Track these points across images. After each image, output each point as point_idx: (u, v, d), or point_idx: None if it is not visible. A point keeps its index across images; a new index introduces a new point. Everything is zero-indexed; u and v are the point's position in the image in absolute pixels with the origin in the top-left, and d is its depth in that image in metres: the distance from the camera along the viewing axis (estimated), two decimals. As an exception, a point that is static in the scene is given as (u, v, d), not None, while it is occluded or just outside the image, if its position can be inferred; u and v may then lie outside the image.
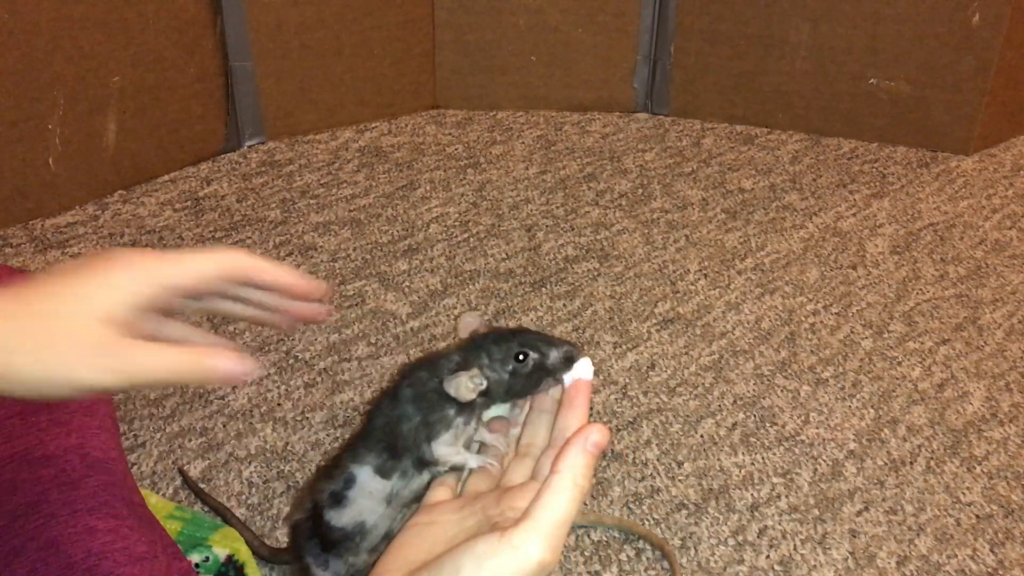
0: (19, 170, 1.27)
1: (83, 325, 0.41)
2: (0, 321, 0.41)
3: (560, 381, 0.53)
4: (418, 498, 0.57)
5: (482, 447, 0.57)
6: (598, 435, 0.48)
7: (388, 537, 0.59)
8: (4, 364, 0.40)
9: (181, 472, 0.88)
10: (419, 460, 0.56)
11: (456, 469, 0.56)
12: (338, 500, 0.58)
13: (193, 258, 0.44)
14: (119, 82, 1.34)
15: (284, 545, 0.81)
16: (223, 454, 0.92)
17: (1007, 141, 1.64)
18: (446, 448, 0.55)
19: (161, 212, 1.36)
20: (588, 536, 0.84)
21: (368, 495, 0.57)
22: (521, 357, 0.53)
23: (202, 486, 0.88)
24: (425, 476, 0.57)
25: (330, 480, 0.59)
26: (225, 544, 0.78)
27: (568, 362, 0.52)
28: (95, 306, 0.42)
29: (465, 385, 0.52)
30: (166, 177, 1.45)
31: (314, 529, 0.60)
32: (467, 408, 0.54)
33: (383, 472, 0.57)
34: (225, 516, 0.83)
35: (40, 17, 1.22)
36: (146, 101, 1.39)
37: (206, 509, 0.86)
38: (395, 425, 0.56)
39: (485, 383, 0.53)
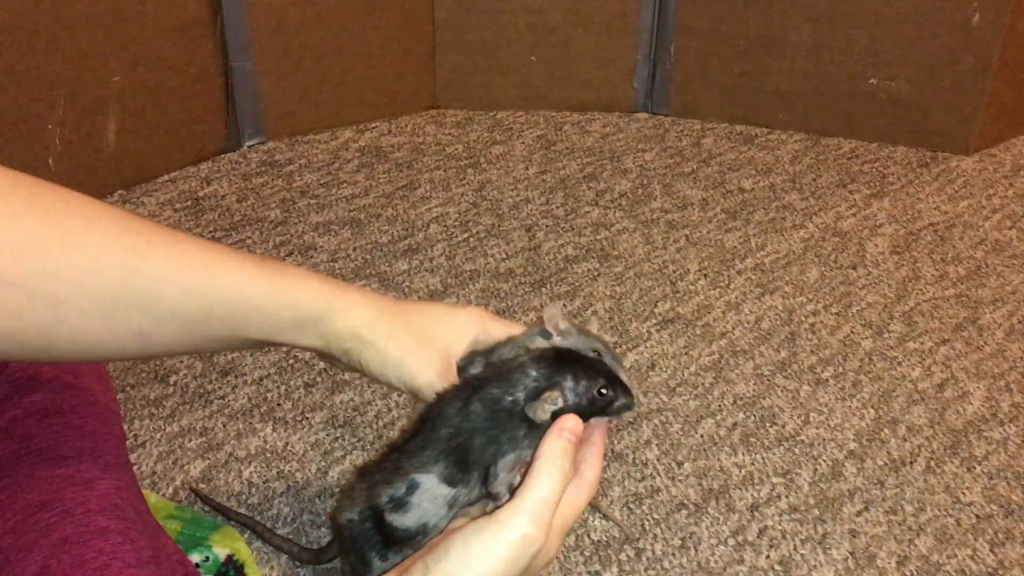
0: (19, 170, 1.27)
1: (441, 354, 0.59)
2: (394, 319, 0.59)
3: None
4: (473, 503, 0.58)
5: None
6: (572, 423, 0.53)
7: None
8: (381, 348, 0.57)
9: (196, 493, 0.87)
10: (484, 475, 0.56)
11: (491, 497, 0.57)
12: (400, 505, 0.59)
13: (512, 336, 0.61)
14: (119, 82, 1.34)
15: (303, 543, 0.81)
16: (223, 454, 0.92)
17: (1007, 141, 1.64)
18: (505, 474, 0.56)
19: (161, 212, 1.36)
20: (588, 536, 0.84)
21: (432, 499, 0.58)
22: (602, 392, 0.54)
23: (202, 486, 0.88)
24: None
25: (389, 485, 0.59)
26: (225, 544, 0.78)
27: (624, 409, 0.55)
28: (452, 347, 0.60)
29: (543, 407, 0.53)
30: (166, 177, 1.45)
31: (377, 528, 0.61)
32: (535, 429, 0.54)
33: (450, 481, 0.57)
34: (255, 529, 0.82)
35: (40, 17, 1.22)
36: (146, 101, 1.39)
37: (208, 511, 0.86)
38: (467, 439, 0.55)
39: (561, 404, 0.54)
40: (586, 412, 0.55)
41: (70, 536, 0.51)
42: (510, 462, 0.56)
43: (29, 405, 0.58)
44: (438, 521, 0.59)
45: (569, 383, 0.54)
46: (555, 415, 0.54)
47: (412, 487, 0.58)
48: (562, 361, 0.55)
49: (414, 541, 0.60)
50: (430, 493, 0.58)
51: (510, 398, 0.54)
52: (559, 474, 0.50)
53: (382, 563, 0.62)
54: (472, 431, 0.55)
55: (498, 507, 0.59)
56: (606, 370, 0.55)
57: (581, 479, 0.54)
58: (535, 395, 0.53)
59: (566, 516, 0.52)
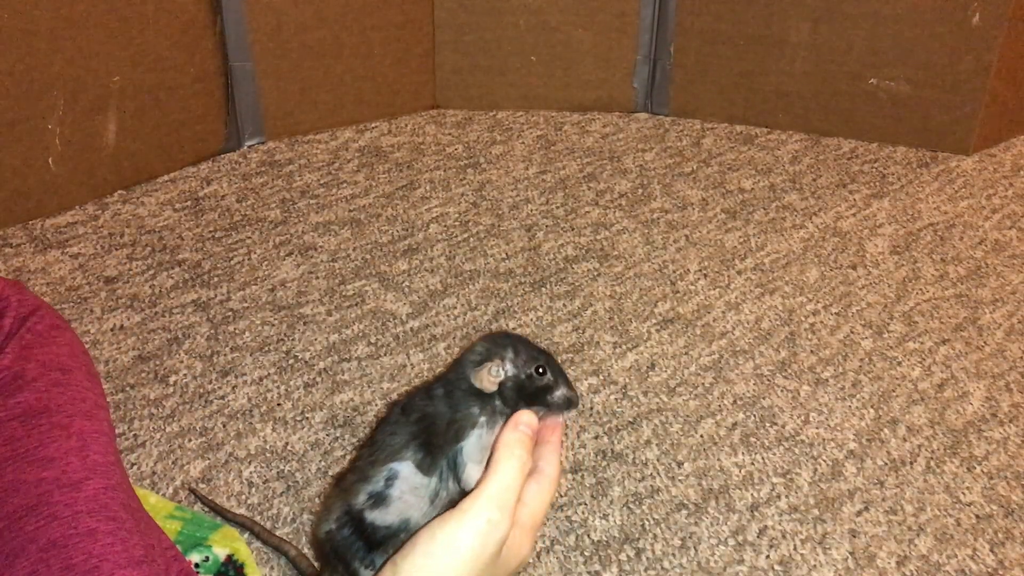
0: (19, 170, 1.27)
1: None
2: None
3: (548, 413, 0.58)
4: (454, 502, 0.59)
5: None
6: (526, 417, 0.56)
7: None
8: None
9: (195, 494, 0.87)
10: (452, 461, 0.57)
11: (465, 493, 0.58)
12: (380, 500, 0.59)
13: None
14: (119, 82, 1.34)
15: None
16: (223, 454, 0.92)
17: (1007, 141, 1.64)
18: (474, 465, 0.57)
19: (161, 212, 1.36)
20: (588, 536, 0.84)
21: (412, 490, 0.59)
22: (540, 371, 0.58)
23: (202, 486, 0.88)
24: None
25: (367, 482, 0.60)
26: (225, 544, 0.78)
27: (566, 405, 0.58)
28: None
29: (487, 375, 0.57)
30: (166, 177, 1.45)
31: (357, 533, 0.61)
32: (488, 408, 0.57)
33: (423, 468, 0.58)
34: (254, 530, 0.82)
35: (40, 17, 1.22)
36: (146, 101, 1.39)
37: (207, 511, 0.86)
38: (431, 422, 0.58)
39: (504, 374, 0.57)
40: (527, 390, 0.57)
41: (58, 540, 0.50)
42: (474, 447, 0.57)
43: (13, 407, 0.58)
44: (420, 517, 0.59)
45: (510, 354, 0.57)
46: (502, 388, 0.57)
47: (391, 478, 0.59)
48: (508, 336, 0.59)
49: (397, 540, 0.59)
50: (409, 483, 0.58)
51: (462, 377, 0.58)
52: (516, 463, 0.52)
53: (369, 571, 0.62)
54: (435, 415, 0.58)
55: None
56: (551, 359, 0.59)
57: (542, 475, 0.56)
58: (479, 364, 0.57)
59: (534, 512, 0.54)
